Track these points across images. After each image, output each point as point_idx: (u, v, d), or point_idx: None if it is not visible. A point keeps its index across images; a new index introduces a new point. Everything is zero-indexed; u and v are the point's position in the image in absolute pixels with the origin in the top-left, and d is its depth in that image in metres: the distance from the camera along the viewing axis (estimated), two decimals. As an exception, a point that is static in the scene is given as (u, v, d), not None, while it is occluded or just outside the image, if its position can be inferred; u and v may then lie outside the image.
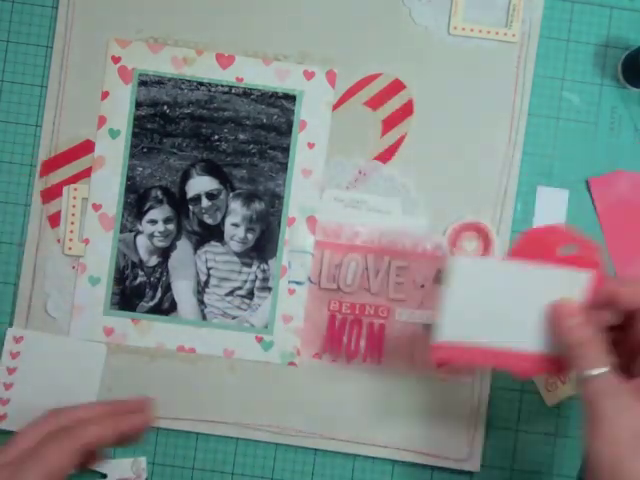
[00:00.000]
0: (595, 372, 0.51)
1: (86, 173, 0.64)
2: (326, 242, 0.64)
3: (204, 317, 0.64)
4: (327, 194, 0.64)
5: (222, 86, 0.64)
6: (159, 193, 0.64)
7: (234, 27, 0.64)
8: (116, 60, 0.64)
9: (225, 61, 0.64)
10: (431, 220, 0.64)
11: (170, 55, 0.64)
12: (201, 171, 0.64)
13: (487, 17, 0.64)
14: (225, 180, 0.64)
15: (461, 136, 0.64)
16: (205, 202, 0.64)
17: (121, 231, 0.64)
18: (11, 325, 0.64)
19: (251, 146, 0.64)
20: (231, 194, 0.64)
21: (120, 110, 0.64)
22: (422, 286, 0.64)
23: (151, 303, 0.64)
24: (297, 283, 0.64)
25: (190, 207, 0.64)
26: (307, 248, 0.64)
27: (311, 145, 0.64)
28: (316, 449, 0.64)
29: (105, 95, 0.64)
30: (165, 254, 0.64)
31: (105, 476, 0.64)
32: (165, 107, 0.64)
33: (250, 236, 0.64)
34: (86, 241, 0.64)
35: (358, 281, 0.64)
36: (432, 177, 0.64)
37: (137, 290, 0.64)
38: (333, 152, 0.64)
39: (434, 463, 0.64)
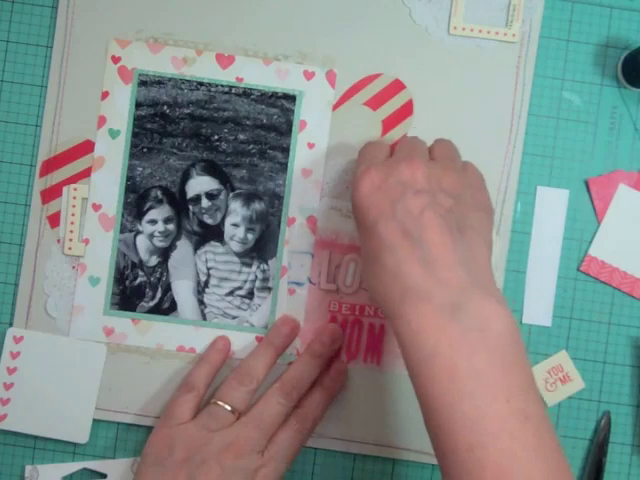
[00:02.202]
0: None
1: (86, 173, 0.64)
2: (326, 242, 0.64)
3: (204, 317, 0.64)
4: (327, 194, 0.64)
5: (222, 86, 0.64)
6: (159, 193, 0.64)
7: (234, 27, 0.64)
8: (116, 60, 0.64)
9: (225, 61, 0.64)
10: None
11: (170, 55, 0.64)
12: (201, 171, 0.64)
13: (487, 17, 0.64)
14: (225, 180, 0.64)
15: (461, 136, 0.64)
16: (205, 202, 0.64)
17: (121, 231, 0.64)
18: (11, 325, 0.64)
19: (251, 146, 0.64)
20: (231, 194, 0.64)
21: (120, 110, 0.64)
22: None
23: (151, 303, 0.64)
24: (297, 284, 0.64)
25: (190, 207, 0.64)
26: (307, 248, 0.64)
27: (311, 145, 0.64)
28: (316, 449, 0.64)
29: (105, 95, 0.64)
30: (165, 254, 0.64)
31: (105, 476, 0.64)
32: (165, 107, 0.64)
33: (250, 236, 0.64)
34: (86, 241, 0.64)
35: (358, 282, 0.64)
36: (432, 177, 0.64)
37: (137, 290, 0.64)
38: (333, 152, 0.64)
39: (434, 462, 0.64)
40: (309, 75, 0.64)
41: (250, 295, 0.64)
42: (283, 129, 0.64)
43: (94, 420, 0.63)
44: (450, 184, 0.53)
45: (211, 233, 0.64)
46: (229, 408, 0.59)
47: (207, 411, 0.59)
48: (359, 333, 0.64)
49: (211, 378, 0.62)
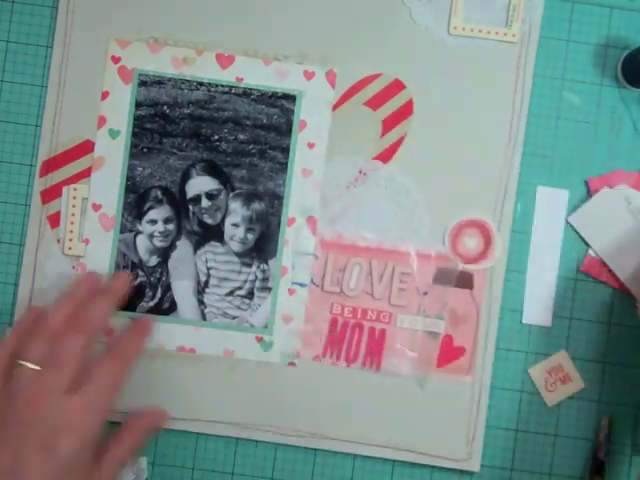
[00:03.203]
0: None
1: (86, 173, 0.64)
2: (330, 244, 0.64)
3: (204, 317, 0.64)
4: (327, 194, 0.64)
5: (222, 86, 0.64)
6: (159, 193, 0.64)
7: (234, 27, 0.64)
8: (116, 60, 0.64)
9: (225, 61, 0.64)
10: (431, 220, 0.64)
11: (170, 55, 0.64)
12: (201, 171, 0.64)
13: (487, 17, 0.64)
14: (225, 180, 0.64)
15: (461, 136, 0.64)
16: (205, 202, 0.64)
17: (121, 231, 0.64)
18: (11, 325, 0.64)
19: (251, 146, 0.64)
20: (231, 194, 0.64)
21: (120, 110, 0.64)
22: (425, 293, 0.64)
23: (151, 303, 0.64)
24: (300, 285, 0.64)
25: (190, 207, 0.64)
26: (309, 249, 0.64)
27: (311, 145, 0.64)
28: (316, 449, 0.64)
29: (105, 95, 0.64)
30: (165, 254, 0.64)
31: (105, 476, 0.64)
32: (165, 107, 0.64)
33: (250, 236, 0.64)
34: (86, 241, 0.64)
35: (361, 285, 0.64)
36: (432, 177, 0.64)
37: (137, 290, 0.64)
38: (333, 152, 0.64)
39: (434, 463, 0.64)
40: (309, 75, 0.64)
41: (250, 295, 0.64)
42: (283, 129, 0.64)
43: (94, 420, 0.63)
44: None
45: (211, 233, 0.64)
46: (31, 365, 0.55)
47: (10, 374, 0.56)
48: (359, 336, 0.64)
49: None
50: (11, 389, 0.55)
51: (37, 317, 0.59)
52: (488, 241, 0.64)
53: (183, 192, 0.64)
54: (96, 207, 0.64)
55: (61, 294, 0.60)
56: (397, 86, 0.64)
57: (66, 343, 0.56)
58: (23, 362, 0.56)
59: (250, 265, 0.64)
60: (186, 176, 0.64)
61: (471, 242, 0.64)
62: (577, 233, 0.64)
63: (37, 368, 0.55)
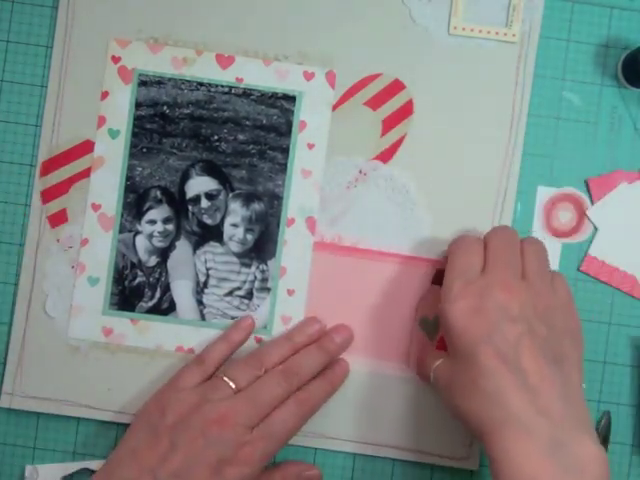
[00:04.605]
0: None
1: (86, 173, 0.64)
2: (330, 244, 0.64)
3: (203, 317, 0.64)
4: (327, 194, 0.64)
5: (222, 86, 0.64)
6: (158, 193, 0.64)
7: (234, 27, 0.64)
8: (116, 60, 0.64)
9: (225, 61, 0.64)
10: (431, 220, 0.64)
11: (170, 55, 0.64)
12: (200, 171, 0.64)
13: (487, 17, 0.64)
14: (224, 180, 0.64)
15: (461, 136, 0.64)
16: (204, 202, 0.64)
17: (120, 231, 0.64)
18: (11, 325, 0.64)
19: (251, 146, 0.64)
20: (230, 194, 0.64)
21: (120, 110, 0.64)
22: (425, 293, 0.64)
23: (150, 303, 0.64)
24: (298, 286, 0.64)
25: (189, 207, 0.64)
26: (307, 249, 0.64)
27: (311, 145, 0.64)
28: (316, 449, 0.64)
29: (105, 95, 0.64)
30: (164, 254, 0.64)
31: (105, 476, 0.64)
32: (165, 107, 0.64)
33: (249, 237, 0.64)
34: (85, 241, 0.64)
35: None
36: (432, 177, 0.64)
37: (136, 290, 0.64)
38: (333, 152, 0.64)
39: (434, 462, 0.64)
40: (309, 76, 0.64)
41: (249, 295, 0.64)
42: (283, 129, 0.64)
43: (94, 420, 0.64)
44: (543, 309, 0.55)
45: (210, 233, 0.64)
46: (232, 385, 0.58)
47: (210, 383, 0.58)
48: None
49: (225, 357, 0.61)
50: (207, 394, 0.57)
51: (249, 329, 0.63)
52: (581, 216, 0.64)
53: (182, 192, 0.64)
54: (95, 207, 0.64)
55: (282, 335, 0.62)
56: (397, 86, 0.64)
57: (267, 386, 0.58)
58: (226, 379, 0.58)
59: (249, 265, 0.64)
60: (186, 176, 0.64)
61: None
62: (595, 227, 0.64)
63: (234, 387, 0.58)
